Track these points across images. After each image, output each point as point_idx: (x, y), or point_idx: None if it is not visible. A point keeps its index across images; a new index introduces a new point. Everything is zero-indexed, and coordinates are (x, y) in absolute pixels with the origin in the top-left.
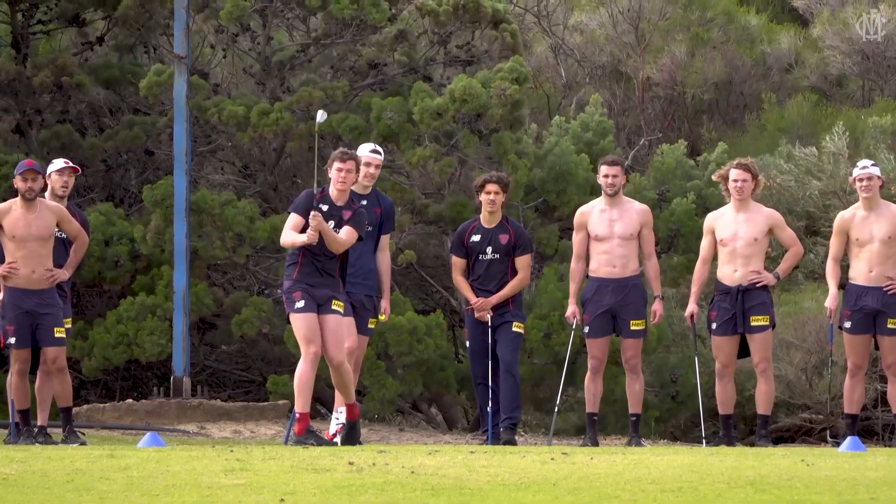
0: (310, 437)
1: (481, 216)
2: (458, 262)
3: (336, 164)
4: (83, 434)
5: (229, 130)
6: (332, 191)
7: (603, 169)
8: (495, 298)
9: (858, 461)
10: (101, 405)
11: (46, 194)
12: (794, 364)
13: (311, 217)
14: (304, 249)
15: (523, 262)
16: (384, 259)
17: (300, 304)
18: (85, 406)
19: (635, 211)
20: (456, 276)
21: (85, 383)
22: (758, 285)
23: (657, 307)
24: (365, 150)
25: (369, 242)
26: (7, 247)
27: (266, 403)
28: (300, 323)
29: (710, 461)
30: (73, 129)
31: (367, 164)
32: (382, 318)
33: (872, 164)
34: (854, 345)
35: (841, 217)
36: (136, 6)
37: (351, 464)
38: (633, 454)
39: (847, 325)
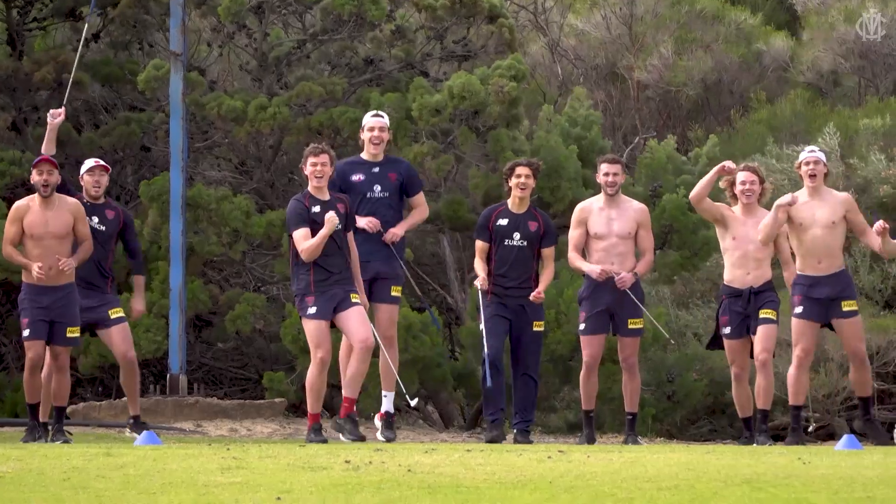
0: (317, 435)
1: (510, 201)
2: (481, 247)
3: (310, 160)
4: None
5: (227, 126)
6: (312, 188)
7: (604, 167)
8: (542, 289)
9: (855, 459)
10: (98, 403)
11: (85, 196)
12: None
13: (327, 219)
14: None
15: (550, 252)
16: (420, 209)
17: (312, 310)
18: (81, 404)
19: (633, 210)
20: (477, 260)
21: (81, 381)
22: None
23: (626, 276)
24: (367, 116)
25: (389, 209)
26: (25, 244)
27: (262, 401)
28: (310, 327)
29: (706, 459)
30: (70, 125)
31: (371, 129)
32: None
33: (819, 150)
34: (804, 330)
35: (778, 205)
36: (132, 3)
37: (347, 462)
38: (629, 452)
39: (798, 309)
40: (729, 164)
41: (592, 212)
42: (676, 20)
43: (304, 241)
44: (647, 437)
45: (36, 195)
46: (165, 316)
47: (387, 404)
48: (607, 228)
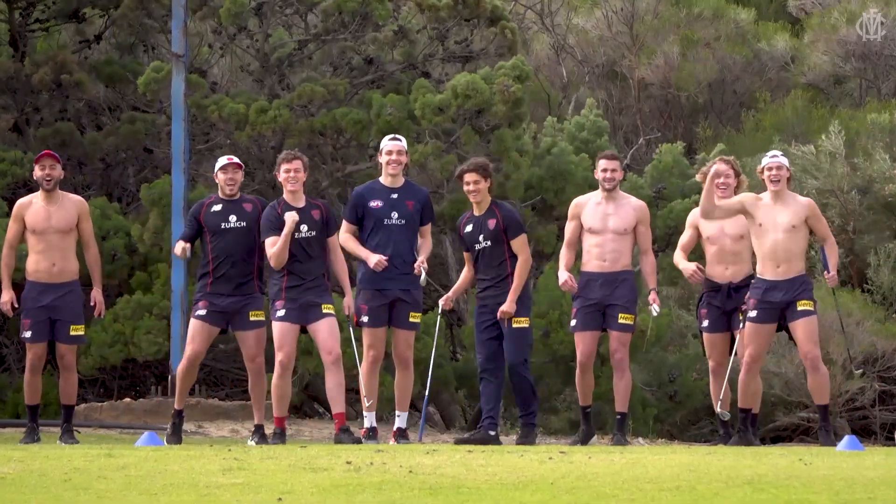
0: (270, 438)
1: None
2: (466, 257)
3: (283, 167)
4: (78, 432)
5: (228, 128)
6: (287, 196)
7: (602, 163)
8: (510, 302)
9: (856, 460)
10: (99, 404)
11: (220, 194)
12: (794, 363)
13: (287, 217)
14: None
15: (518, 244)
16: (425, 241)
17: (280, 312)
18: (83, 405)
19: (632, 207)
20: (464, 269)
21: (83, 382)
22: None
23: (653, 298)
24: (385, 140)
25: (405, 235)
26: (28, 240)
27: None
28: (275, 329)
29: (707, 460)
30: (73, 126)
31: (389, 153)
32: (420, 260)
33: (782, 154)
34: (755, 333)
35: (742, 198)
36: (134, 5)
37: (349, 463)
38: (631, 453)
39: (752, 313)
40: (713, 168)
41: (588, 206)
42: (676, 22)
43: (271, 248)
44: (649, 438)
45: (40, 191)
46: (167, 318)
47: (399, 422)
48: (602, 224)
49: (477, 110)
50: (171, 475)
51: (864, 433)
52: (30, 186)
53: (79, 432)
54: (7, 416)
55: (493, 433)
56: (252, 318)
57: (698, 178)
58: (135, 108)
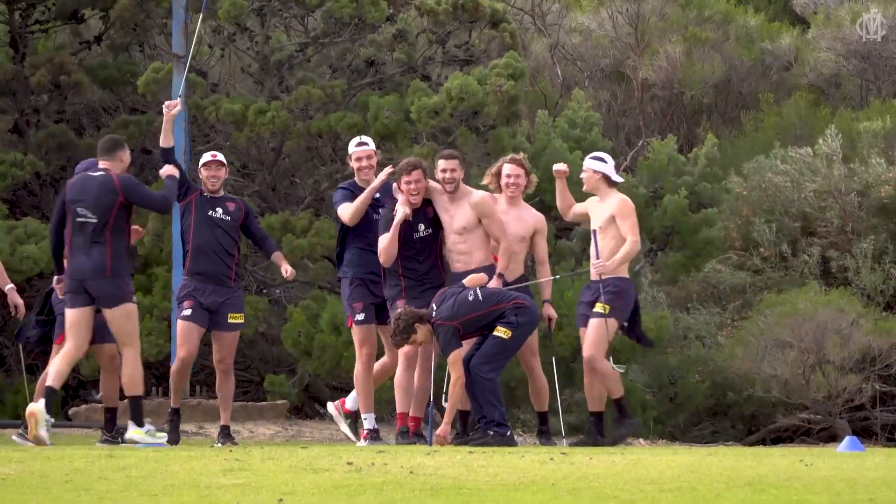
0: (414, 437)
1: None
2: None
3: (441, 163)
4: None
5: (227, 129)
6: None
7: (441, 163)
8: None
9: (857, 461)
10: (100, 405)
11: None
12: (790, 364)
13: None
14: (405, 258)
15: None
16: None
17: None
18: (83, 406)
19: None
20: None
21: (84, 383)
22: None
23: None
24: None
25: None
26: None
27: (264, 403)
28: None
29: (708, 461)
30: (71, 128)
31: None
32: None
33: (593, 157)
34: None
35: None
36: (132, 6)
37: (350, 464)
38: (632, 454)
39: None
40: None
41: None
42: (682, 23)
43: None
44: (650, 440)
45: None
46: (168, 319)
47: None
48: (448, 226)
49: (472, 111)
50: (172, 476)
51: (865, 434)
52: (30, 188)
53: (57, 435)
54: (7, 417)
55: (490, 433)
56: (231, 322)
57: (485, 180)
58: (133, 109)
